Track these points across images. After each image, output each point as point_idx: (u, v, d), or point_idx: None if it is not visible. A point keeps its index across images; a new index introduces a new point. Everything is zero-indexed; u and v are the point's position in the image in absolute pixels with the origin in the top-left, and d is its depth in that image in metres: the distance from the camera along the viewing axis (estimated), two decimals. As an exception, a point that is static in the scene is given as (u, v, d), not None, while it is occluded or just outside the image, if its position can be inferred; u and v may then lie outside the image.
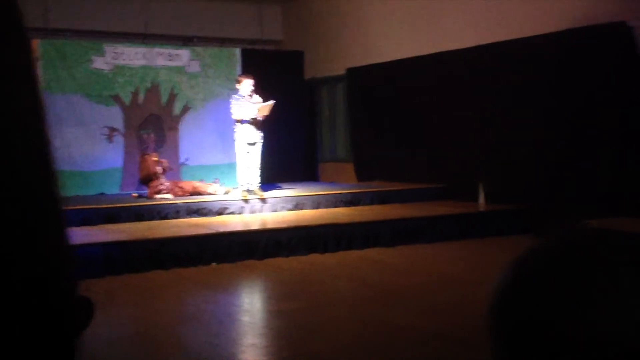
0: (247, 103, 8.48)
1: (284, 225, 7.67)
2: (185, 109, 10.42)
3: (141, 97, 10.11)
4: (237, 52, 10.90)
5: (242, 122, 8.49)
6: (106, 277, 6.26)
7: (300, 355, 4.22)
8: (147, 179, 8.86)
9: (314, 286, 6.10)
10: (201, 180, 9.47)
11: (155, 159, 8.96)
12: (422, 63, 9.98)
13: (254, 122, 8.49)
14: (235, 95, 8.60)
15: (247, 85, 8.53)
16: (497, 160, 8.93)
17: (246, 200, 8.69)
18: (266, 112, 8.46)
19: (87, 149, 9.57)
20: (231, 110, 8.54)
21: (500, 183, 8.95)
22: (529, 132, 8.40)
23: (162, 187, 8.84)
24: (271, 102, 8.40)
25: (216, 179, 9.82)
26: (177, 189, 8.97)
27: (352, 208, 9.19)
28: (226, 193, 9.11)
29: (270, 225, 7.77)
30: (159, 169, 8.90)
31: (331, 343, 4.48)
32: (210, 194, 9.05)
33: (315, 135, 12.44)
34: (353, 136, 11.58)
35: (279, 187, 10.08)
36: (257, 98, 8.54)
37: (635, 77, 7.33)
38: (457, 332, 4.56)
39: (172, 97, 10.32)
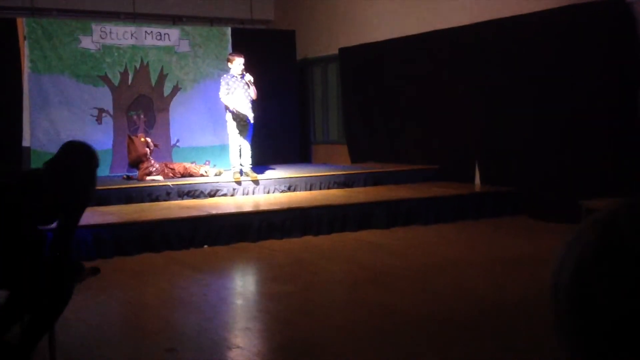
0: (238, 83, 8.34)
1: (277, 207, 7.57)
2: (175, 90, 10.25)
3: (130, 77, 9.93)
4: (228, 31, 10.72)
5: (227, 109, 8.36)
6: (96, 260, 6.16)
7: (294, 339, 4.15)
8: (137, 161, 8.72)
9: (308, 268, 6.02)
10: (192, 162, 9.34)
11: (143, 140, 8.81)
12: (416, 42, 9.85)
13: (238, 118, 8.37)
14: (226, 75, 8.45)
15: (238, 64, 8.38)
16: (492, 141, 8.85)
17: (238, 182, 8.58)
18: (252, 95, 8.38)
19: (76, 130, 9.39)
20: (220, 93, 8.40)
21: (495, 164, 8.88)
22: (525, 113, 8.31)
23: (152, 169, 8.71)
24: (249, 78, 8.33)
25: (207, 160, 9.70)
26: (167, 171, 8.85)
27: (346, 189, 9.11)
28: (218, 174, 9.00)
29: (263, 207, 7.68)
30: (147, 150, 8.75)
31: (325, 326, 4.41)
32: (201, 175, 8.94)
33: (307, 117, 12.31)
34: (346, 117, 11.46)
35: (272, 168, 9.96)
36: (248, 77, 8.40)
37: (633, 54, 7.24)
38: (453, 315, 4.51)
39: (162, 78, 10.15)
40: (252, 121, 8.48)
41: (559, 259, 0.63)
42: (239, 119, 8.40)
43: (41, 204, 3.41)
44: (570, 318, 0.60)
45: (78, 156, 3.53)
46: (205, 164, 9.40)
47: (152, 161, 8.78)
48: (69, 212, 3.48)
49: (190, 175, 8.89)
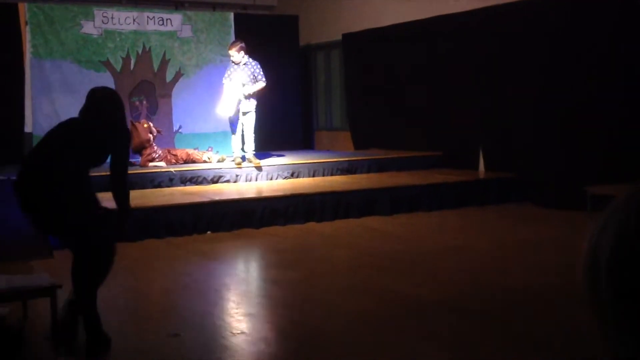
0: (237, 73, 8.28)
1: (280, 194, 7.55)
2: (178, 76, 10.19)
3: (132, 63, 9.88)
4: (230, 17, 10.64)
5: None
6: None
7: (298, 324, 4.14)
8: (140, 147, 8.68)
9: (312, 255, 6.01)
10: (195, 149, 9.31)
11: (146, 125, 8.77)
12: (420, 28, 9.77)
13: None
14: (230, 68, 8.40)
15: (236, 54, 8.31)
16: (496, 128, 8.80)
17: (240, 167, 8.55)
18: (251, 91, 8.28)
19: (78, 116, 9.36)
20: (223, 78, 8.39)
21: (499, 150, 8.84)
22: (529, 98, 8.25)
23: (155, 155, 8.68)
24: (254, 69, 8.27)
25: (210, 147, 9.66)
26: (170, 157, 8.82)
27: (349, 176, 9.07)
28: (220, 161, 8.96)
29: (266, 194, 7.65)
30: (150, 136, 8.72)
31: (329, 311, 4.40)
32: (204, 161, 8.90)
33: (310, 103, 12.25)
34: (349, 103, 11.41)
35: (275, 155, 9.93)
36: (252, 65, 8.34)
37: (637, 37, 7.17)
38: (457, 300, 4.49)
39: (164, 63, 10.09)
40: (254, 109, 8.42)
41: (592, 240, 0.62)
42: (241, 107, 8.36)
43: (95, 146, 3.81)
44: (616, 300, 0.58)
45: (106, 101, 3.89)
46: (207, 150, 9.37)
47: (155, 147, 8.74)
48: (118, 150, 3.84)
49: (193, 162, 8.86)
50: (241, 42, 8.40)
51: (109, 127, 3.83)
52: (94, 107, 3.84)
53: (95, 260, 3.72)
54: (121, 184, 3.87)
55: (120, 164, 3.86)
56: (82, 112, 3.89)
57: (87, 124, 3.85)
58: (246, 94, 8.25)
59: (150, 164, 8.59)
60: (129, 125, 8.92)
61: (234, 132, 8.53)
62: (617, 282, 0.58)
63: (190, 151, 9.02)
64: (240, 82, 8.27)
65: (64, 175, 3.66)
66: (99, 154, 3.86)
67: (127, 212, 3.92)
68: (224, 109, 8.43)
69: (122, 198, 3.87)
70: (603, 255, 0.61)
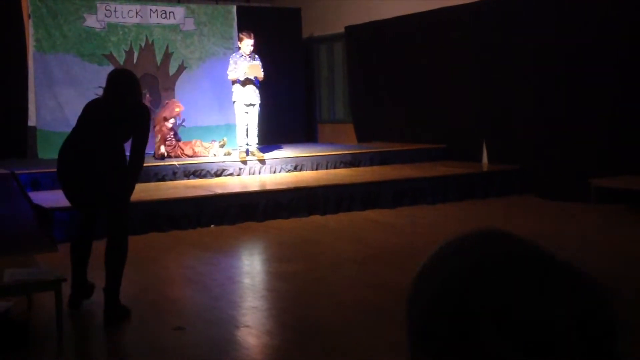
0: (244, 63, 8.28)
1: (284, 187, 7.55)
2: (181, 69, 10.18)
3: (135, 56, 9.87)
4: (233, 9, 10.62)
5: (237, 81, 8.31)
6: (102, 240, 6.14)
7: (302, 317, 4.15)
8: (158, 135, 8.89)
9: (315, 248, 6.01)
10: (198, 140, 9.34)
11: (170, 125, 8.80)
12: (423, 20, 9.73)
13: (249, 82, 8.28)
14: (235, 54, 8.42)
15: (246, 45, 8.32)
16: (500, 120, 8.77)
17: (244, 162, 8.55)
18: (256, 72, 8.25)
19: (81, 109, 9.36)
20: (227, 70, 8.37)
21: (502, 142, 8.81)
22: (532, 90, 8.22)
23: (171, 152, 8.77)
24: (256, 62, 8.23)
25: (213, 140, 9.65)
26: (178, 151, 8.83)
27: (352, 169, 9.07)
28: (227, 155, 8.98)
29: (269, 187, 7.65)
30: (170, 135, 8.86)
31: (333, 304, 4.41)
32: (213, 155, 8.89)
33: (313, 96, 12.23)
34: (352, 96, 11.38)
35: (278, 148, 9.92)
36: (257, 58, 8.36)
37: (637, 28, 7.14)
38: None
39: (167, 57, 10.08)
40: (257, 102, 8.42)
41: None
42: (246, 98, 8.35)
43: (117, 125, 4.16)
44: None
45: (126, 84, 4.23)
46: (211, 142, 9.31)
47: (173, 140, 8.79)
48: (136, 128, 4.16)
49: (199, 156, 8.88)
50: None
51: (125, 108, 4.17)
52: (111, 89, 4.21)
53: (126, 239, 4.20)
54: (136, 160, 4.18)
55: (137, 141, 4.16)
56: (103, 93, 4.30)
57: (107, 105, 4.22)
58: (260, 75, 8.25)
59: (161, 151, 8.66)
60: (155, 120, 9.05)
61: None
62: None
63: (197, 149, 8.96)
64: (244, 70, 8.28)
65: (101, 152, 4.06)
66: (122, 132, 4.18)
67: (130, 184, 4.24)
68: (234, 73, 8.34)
69: (133, 172, 4.21)
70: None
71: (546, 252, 0.68)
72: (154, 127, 8.90)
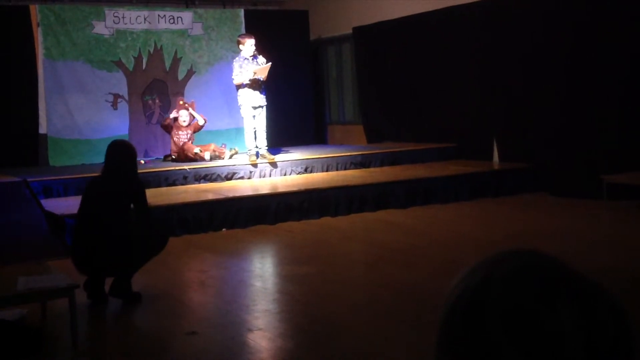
0: (250, 65, 8.26)
1: (295, 189, 7.54)
2: (190, 74, 10.21)
3: (144, 62, 9.91)
4: (241, 13, 10.64)
5: (242, 85, 8.29)
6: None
7: (314, 320, 4.14)
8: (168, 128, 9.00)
9: (327, 249, 6.00)
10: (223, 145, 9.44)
11: (193, 148, 8.86)
12: (431, 19, 9.70)
13: (256, 85, 8.27)
14: (239, 58, 8.38)
15: (249, 45, 8.29)
16: (511, 118, 8.72)
17: (255, 165, 8.55)
18: (264, 74, 8.24)
19: (92, 116, 9.41)
20: (233, 75, 8.35)
21: (514, 141, 8.76)
22: (543, 88, 8.17)
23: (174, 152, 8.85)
24: (268, 64, 8.21)
25: (224, 144, 9.65)
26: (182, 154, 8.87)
27: (363, 170, 9.05)
28: (234, 154, 9.04)
29: (280, 189, 7.65)
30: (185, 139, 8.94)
31: (346, 306, 4.39)
32: (213, 158, 8.91)
33: (322, 97, 12.23)
34: (361, 97, 11.37)
35: (288, 150, 9.92)
36: (261, 59, 8.33)
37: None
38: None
39: (176, 62, 10.12)
40: (263, 103, 8.41)
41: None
42: (253, 101, 8.34)
43: (116, 197, 4.55)
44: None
45: (123, 156, 4.63)
46: (222, 146, 9.32)
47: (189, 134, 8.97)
48: (138, 197, 4.60)
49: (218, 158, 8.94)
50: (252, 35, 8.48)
51: (122, 179, 4.57)
52: (107, 162, 4.64)
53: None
54: (144, 221, 4.66)
55: (140, 205, 4.62)
56: (105, 164, 4.69)
57: (110, 178, 4.61)
58: (263, 77, 8.26)
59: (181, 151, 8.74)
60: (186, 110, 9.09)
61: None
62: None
63: (213, 152, 8.98)
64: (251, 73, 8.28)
65: (108, 225, 4.44)
66: (121, 202, 4.57)
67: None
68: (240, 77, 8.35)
69: (145, 228, 4.69)
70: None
71: (564, 266, 0.70)
72: (170, 132, 8.97)
